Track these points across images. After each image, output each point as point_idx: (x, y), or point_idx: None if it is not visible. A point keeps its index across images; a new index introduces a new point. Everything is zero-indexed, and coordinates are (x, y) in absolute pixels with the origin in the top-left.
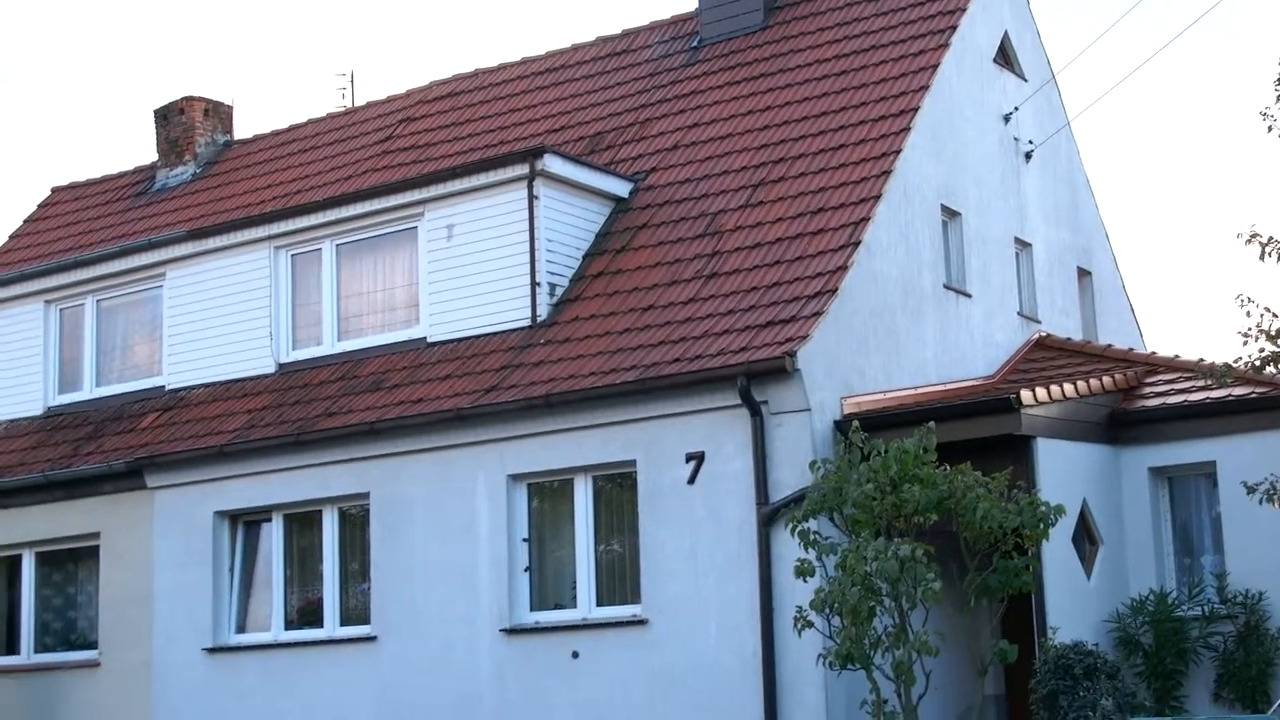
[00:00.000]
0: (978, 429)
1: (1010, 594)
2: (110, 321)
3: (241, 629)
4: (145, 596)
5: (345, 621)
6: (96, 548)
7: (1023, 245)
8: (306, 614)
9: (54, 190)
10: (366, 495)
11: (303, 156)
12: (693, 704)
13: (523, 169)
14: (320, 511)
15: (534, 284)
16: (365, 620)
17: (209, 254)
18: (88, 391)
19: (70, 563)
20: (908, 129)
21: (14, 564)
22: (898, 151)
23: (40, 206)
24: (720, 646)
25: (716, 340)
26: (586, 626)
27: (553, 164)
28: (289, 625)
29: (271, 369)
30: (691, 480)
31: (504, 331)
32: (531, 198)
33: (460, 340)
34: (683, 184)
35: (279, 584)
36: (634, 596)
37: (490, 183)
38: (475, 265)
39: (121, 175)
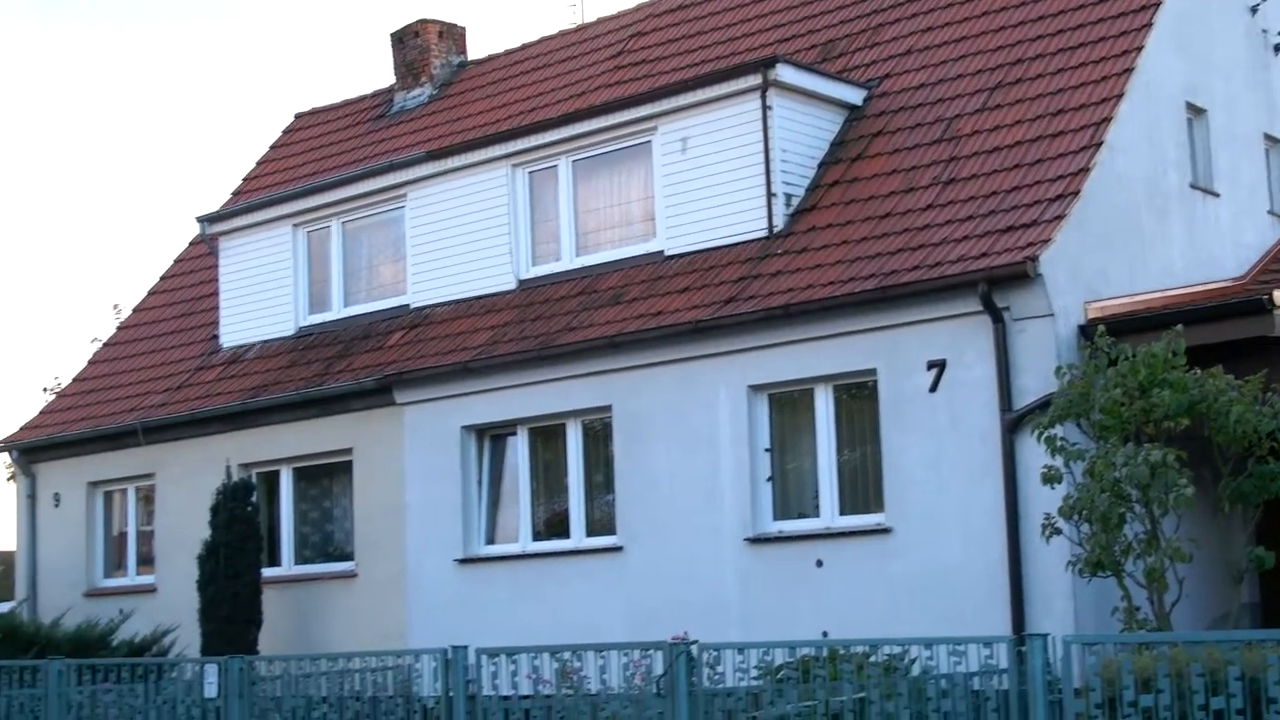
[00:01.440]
0: (1228, 331)
1: (1265, 499)
2: (355, 243)
3: (490, 540)
4: (397, 509)
5: (591, 532)
6: (349, 463)
7: (1273, 142)
8: (553, 525)
9: (297, 116)
10: (608, 408)
11: (535, 75)
12: (937, 612)
13: (755, 79)
14: (564, 425)
15: (769, 195)
16: (611, 531)
17: (448, 174)
18: (336, 311)
19: (325, 477)
20: (1150, 24)
21: (273, 479)
22: (1140, 48)
23: (285, 133)
24: (965, 554)
25: (956, 246)
26: (830, 535)
27: (785, 73)
28: (536, 537)
29: (512, 285)
30: (933, 388)
31: (740, 243)
32: (765, 108)
33: (697, 253)
34: (917, 89)
35: (525, 496)
36: (877, 505)
37: (723, 94)
38: (710, 178)
39: (361, 99)
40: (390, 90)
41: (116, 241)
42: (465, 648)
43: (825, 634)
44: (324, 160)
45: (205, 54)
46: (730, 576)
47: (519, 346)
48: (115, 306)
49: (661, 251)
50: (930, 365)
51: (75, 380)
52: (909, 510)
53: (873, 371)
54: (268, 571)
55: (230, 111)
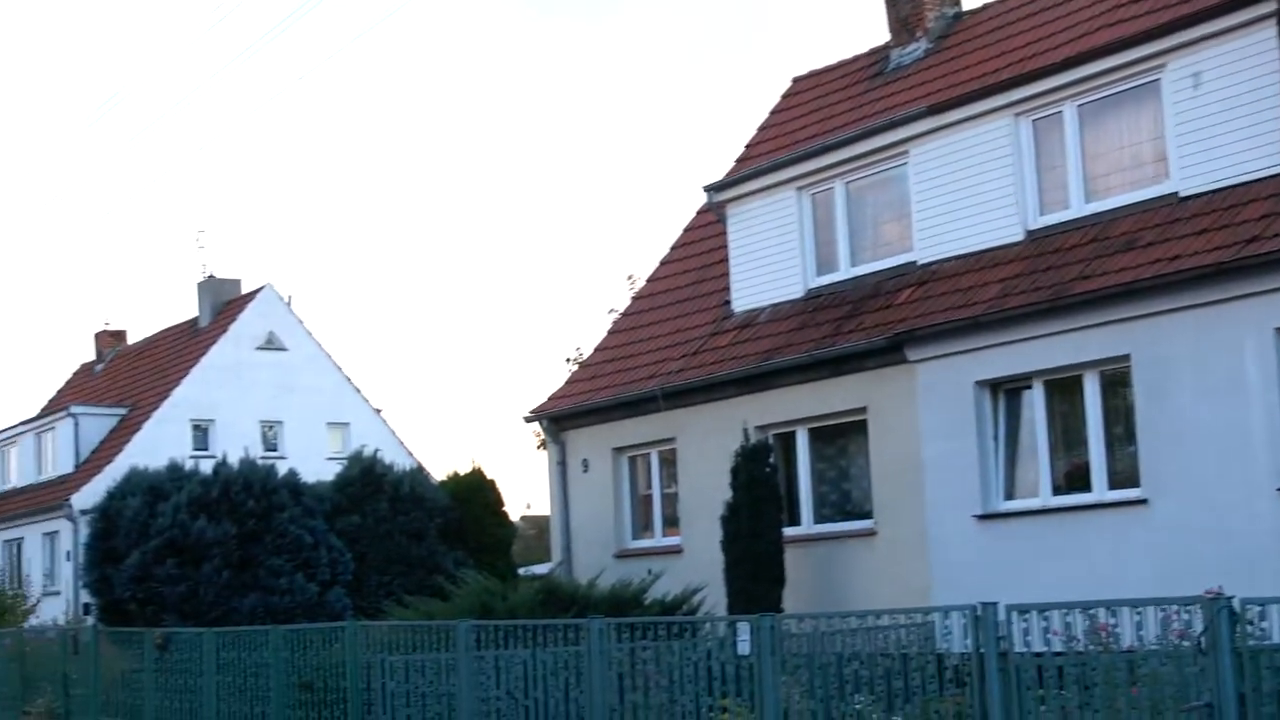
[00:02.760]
0: None
1: None
2: (859, 202)
3: (1009, 496)
4: (914, 467)
5: (1113, 485)
6: (864, 422)
7: None
8: (1072, 479)
9: (794, 81)
10: (1127, 357)
11: (1033, 20)
12: None
13: (1269, 6)
14: (1080, 376)
15: None
16: (1134, 483)
17: (949, 127)
18: (843, 271)
19: (840, 437)
20: None
21: (788, 440)
22: None
23: (783, 98)
24: None
25: None
26: None
27: None
28: (1056, 491)
29: (1019, 236)
30: None
31: (1260, 179)
32: None
33: (1214, 192)
34: None
35: (1044, 450)
36: None
37: (1234, 25)
38: (1225, 113)
39: (856, 59)
40: (885, 47)
41: (629, 215)
42: (995, 604)
43: None
44: (823, 122)
45: (701, 30)
46: (1264, 529)
47: (1031, 298)
48: (629, 278)
49: (1175, 193)
50: None
51: (596, 350)
52: None
53: None
54: (788, 531)
55: (731, 82)
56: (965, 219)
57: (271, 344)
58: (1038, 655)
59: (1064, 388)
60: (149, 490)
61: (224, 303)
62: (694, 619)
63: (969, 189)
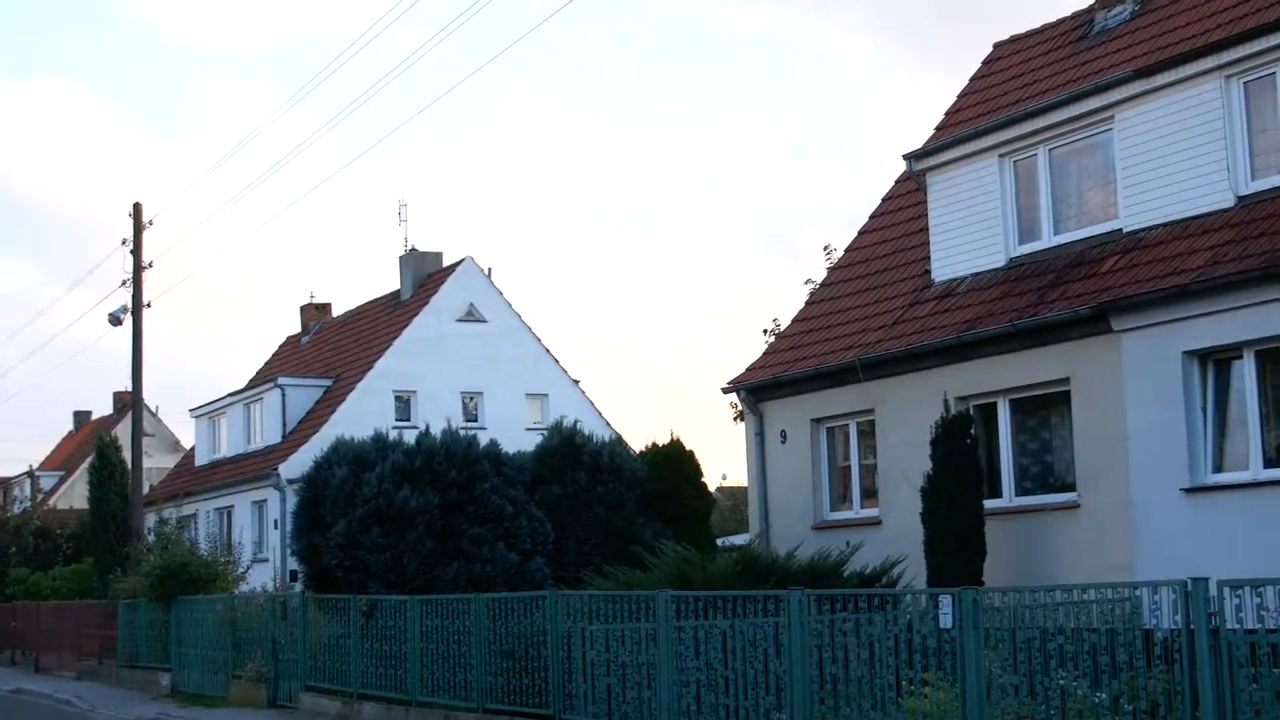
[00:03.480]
0: None
1: None
2: (1062, 169)
3: (1218, 469)
4: (1118, 439)
5: None
6: (1067, 393)
7: None
8: None
9: (996, 46)
10: None
11: None
12: None
13: None
14: None
15: None
16: None
17: (1157, 91)
18: (1046, 240)
19: (1042, 408)
20: None
21: (989, 411)
22: None
23: (984, 64)
24: None
25: None
26: None
27: None
28: (1268, 464)
29: (1229, 202)
30: None
31: None
32: None
33: None
34: None
35: (1254, 422)
36: None
37: None
38: None
39: (1059, 23)
40: (1090, 10)
41: (824, 186)
42: (1205, 580)
43: None
44: (1025, 88)
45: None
46: None
47: (1241, 266)
48: (826, 248)
49: None
50: None
51: (794, 321)
52: None
53: None
54: (989, 503)
55: (936, 49)
56: (1173, 185)
57: (472, 316)
58: (1250, 632)
59: (1276, 358)
60: (355, 460)
61: (425, 275)
62: (894, 591)
63: (1177, 154)
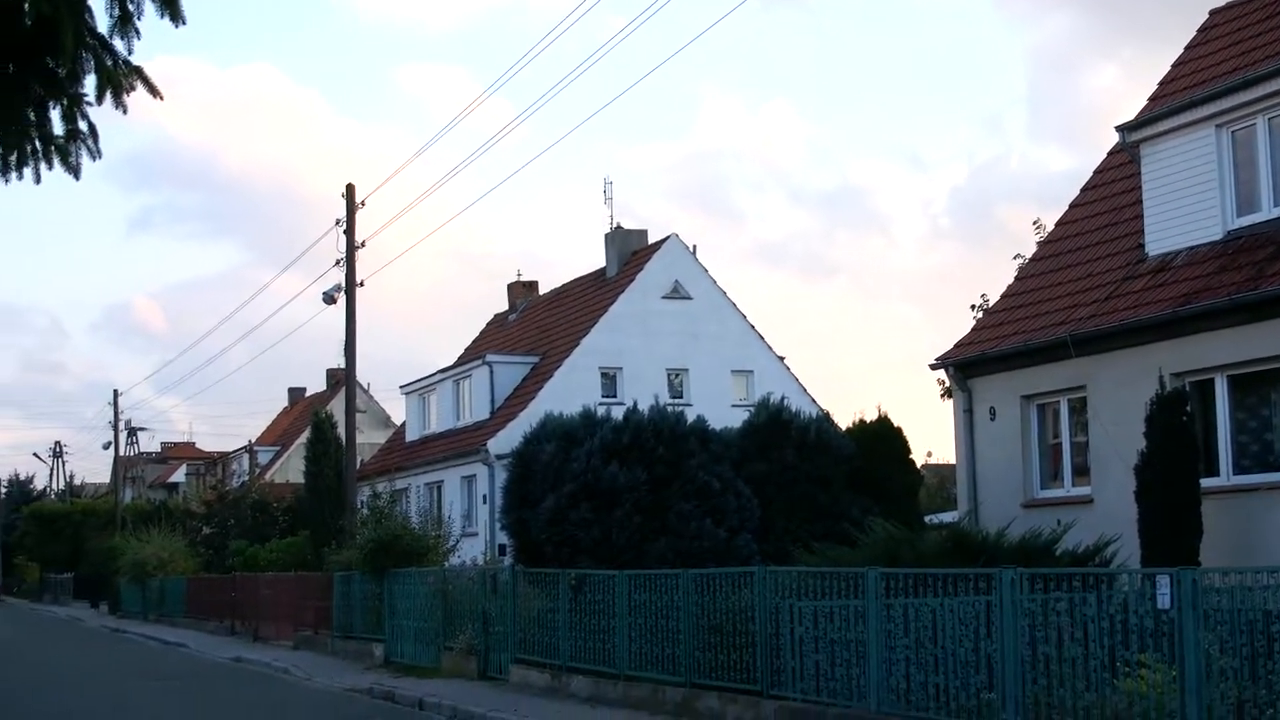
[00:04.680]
0: None
1: None
2: None
3: None
4: None
5: None
6: None
7: None
8: None
9: (1211, 14)
10: None
11: None
12: None
13: None
14: None
15: None
16: None
17: None
18: (1266, 212)
19: (1262, 384)
20: None
21: (1206, 388)
22: None
23: (1200, 32)
24: None
25: None
26: None
27: None
28: None
29: None
30: None
31: None
32: None
33: None
34: None
35: None
36: None
37: None
38: None
39: None
40: None
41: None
42: None
43: None
44: (1243, 56)
45: None
46: None
47: None
48: (1035, 222)
49: None
50: None
51: (1004, 296)
52: None
53: None
54: (1205, 482)
55: (1134, 21)
56: None
57: (677, 293)
58: None
59: None
60: (563, 436)
61: (630, 253)
62: (1109, 570)
63: None
